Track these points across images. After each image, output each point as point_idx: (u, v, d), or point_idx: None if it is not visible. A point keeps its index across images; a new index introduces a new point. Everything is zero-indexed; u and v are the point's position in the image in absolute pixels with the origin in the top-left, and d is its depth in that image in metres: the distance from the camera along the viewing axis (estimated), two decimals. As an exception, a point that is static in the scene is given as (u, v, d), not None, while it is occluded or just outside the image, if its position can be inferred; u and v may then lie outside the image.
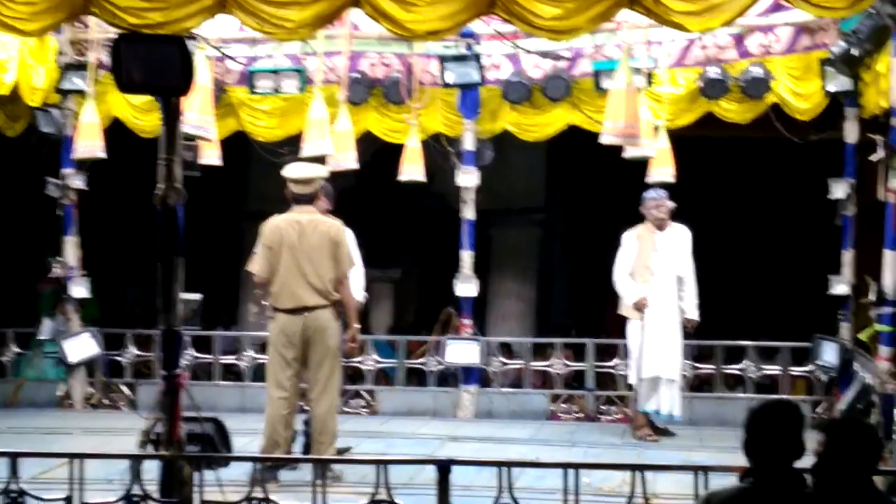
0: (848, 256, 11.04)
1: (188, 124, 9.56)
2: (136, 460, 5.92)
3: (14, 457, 5.86)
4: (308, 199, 8.39)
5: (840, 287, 11.00)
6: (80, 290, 11.89)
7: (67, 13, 7.72)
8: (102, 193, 12.48)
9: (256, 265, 8.44)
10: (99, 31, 10.92)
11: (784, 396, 11.18)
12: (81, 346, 11.78)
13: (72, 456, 5.97)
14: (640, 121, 9.57)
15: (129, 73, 5.82)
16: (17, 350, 12.32)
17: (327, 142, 10.48)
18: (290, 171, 8.48)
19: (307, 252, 8.25)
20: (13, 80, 10.57)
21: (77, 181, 11.77)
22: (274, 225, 8.40)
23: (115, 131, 11.82)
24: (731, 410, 10.57)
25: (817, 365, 11.18)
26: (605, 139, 9.27)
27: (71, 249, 11.87)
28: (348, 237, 8.56)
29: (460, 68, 10.95)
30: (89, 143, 11.07)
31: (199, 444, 6.19)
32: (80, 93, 11.37)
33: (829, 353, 10.97)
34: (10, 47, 10.41)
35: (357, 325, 8.59)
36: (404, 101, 11.46)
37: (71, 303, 11.89)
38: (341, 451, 8.66)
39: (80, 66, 11.30)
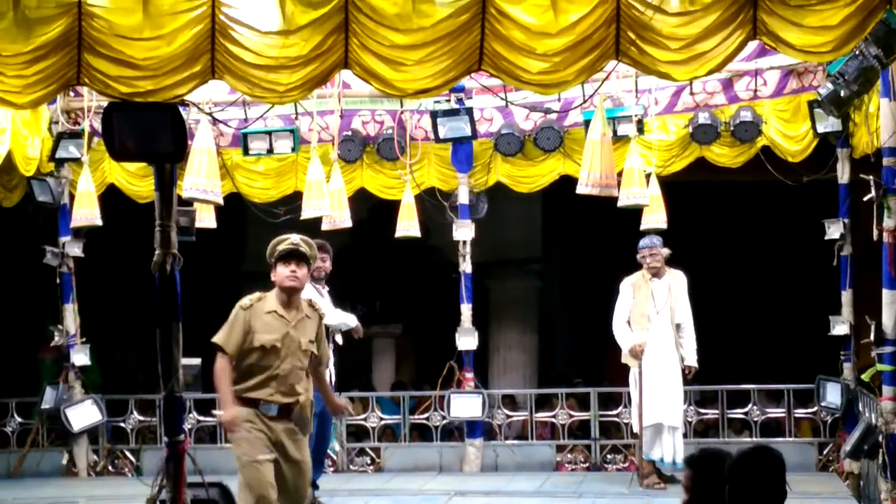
0: (847, 296, 11.01)
1: (195, 189, 9.45)
2: (140, 528, 5.92)
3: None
4: None
5: (841, 327, 10.96)
6: (81, 357, 11.89)
7: (59, 84, 7.73)
8: (100, 260, 12.49)
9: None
10: (92, 98, 10.98)
11: (789, 439, 11.20)
12: (85, 413, 11.76)
13: (76, 526, 5.97)
14: (615, 170, 9.56)
15: (122, 141, 5.85)
16: (20, 420, 12.27)
17: (326, 202, 10.48)
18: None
19: None
20: (6, 151, 10.57)
21: (75, 249, 11.81)
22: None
23: (111, 197, 11.84)
24: (736, 455, 10.51)
25: (822, 406, 11.15)
26: (581, 189, 9.27)
27: (70, 317, 11.88)
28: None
29: (452, 123, 10.97)
30: (86, 211, 11.05)
31: (204, 510, 6.17)
32: (76, 161, 11.41)
33: (832, 394, 10.93)
34: (2, 118, 10.40)
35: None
36: (398, 157, 11.50)
37: (72, 370, 11.88)
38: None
39: (74, 135, 11.33)
